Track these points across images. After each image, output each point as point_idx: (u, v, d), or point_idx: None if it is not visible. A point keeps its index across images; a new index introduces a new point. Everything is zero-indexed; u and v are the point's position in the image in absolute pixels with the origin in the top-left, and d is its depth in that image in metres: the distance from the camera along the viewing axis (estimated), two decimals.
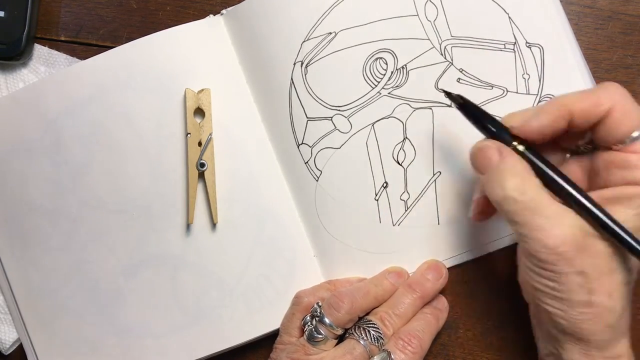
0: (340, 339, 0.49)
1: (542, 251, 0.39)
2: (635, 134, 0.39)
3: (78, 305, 0.53)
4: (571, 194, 0.40)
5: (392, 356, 0.46)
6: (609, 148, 0.41)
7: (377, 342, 0.47)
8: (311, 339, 0.47)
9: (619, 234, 0.38)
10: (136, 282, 0.52)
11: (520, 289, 0.51)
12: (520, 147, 0.41)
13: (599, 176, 0.42)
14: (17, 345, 0.54)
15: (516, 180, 0.40)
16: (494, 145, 0.42)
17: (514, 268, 0.52)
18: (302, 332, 0.49)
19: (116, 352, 0.52)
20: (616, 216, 0.39)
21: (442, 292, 0.52)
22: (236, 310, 0.52)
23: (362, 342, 0.47)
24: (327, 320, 0.47)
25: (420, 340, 0.47)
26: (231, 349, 0.52)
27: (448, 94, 0.45)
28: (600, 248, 0.39)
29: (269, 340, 0.53)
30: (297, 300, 0.51)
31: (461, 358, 0.52)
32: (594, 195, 0.40)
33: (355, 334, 0.47)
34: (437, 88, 0.50)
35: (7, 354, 0.54)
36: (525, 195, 0.39)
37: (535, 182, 0.40)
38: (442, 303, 0.51)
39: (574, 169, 0.44)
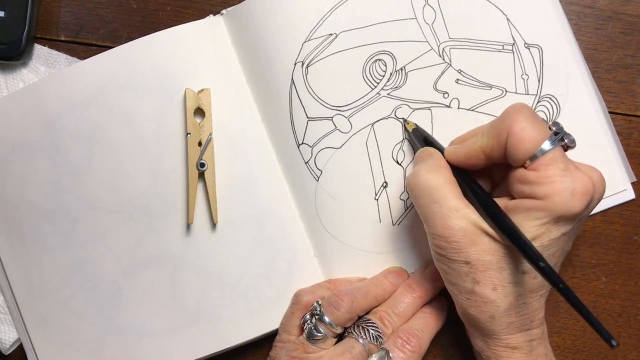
0: (340, 338, 0.49)
1: (435, 237, 0.44)
2: (536, 152, 0.41)
3: (78, 305, 0.53)
4: (476, 193, 0.44)
5: (391, 354, 0.46)
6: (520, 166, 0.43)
7: (376, 341, 0.47)
8: (310, 337, 0.47)
9: (514, 236, 0.41)
10: (136, 282, 0.52)
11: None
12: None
13: (510, 189, 0.44)
14: (17, 345, 0.54)
15: (430, 170, 0.45)
16: (431, 148, 0.48)
17: None
18: (302, 330, 0.49)
19: (116, 351, 0.52)
20: (517, 224, 0.42)
21: (443, 292, 0.52)
22: (236, 310, 0.52)
23: (361, 340, 0.47)
24: (326, 318, 0.47)
25: (419, 339, 0.47)
26: (231, 348, 0.52)
27: (404, 121, 0.51)
28: (491, 246, 0.42)
29: (268, 340, 0.53)
30: (296, 298, 0.51)
31: (461, 358, 0.53)
32: (500, 202, 0.44)
33: (354, 332, 0.47)
34: (435, 89, 0.51)
35: (7, 354, 0.54)
36: (431, 183, 0.44)
37: (447, 177, 0.44)
38: (443, 303, 0.51)
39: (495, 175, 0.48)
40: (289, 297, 0.52)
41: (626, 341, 0.51)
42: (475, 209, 0.43)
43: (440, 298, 0.51)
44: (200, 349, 0.52)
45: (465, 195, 0.44)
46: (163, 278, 0.52)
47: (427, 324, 0.49)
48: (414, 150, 0.50)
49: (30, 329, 0.53)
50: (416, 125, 0.50)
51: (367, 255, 0.52)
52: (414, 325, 0.48)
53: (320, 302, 0.49)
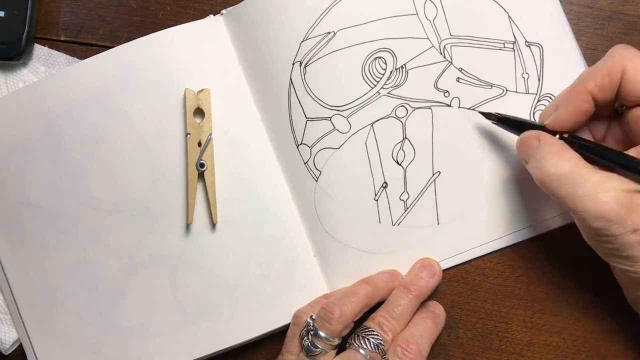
0: (341, 347, 0.48)
1: (593, 220, 0.40)
2: None
3: (78, 305, 0.53)
4: (613, 157, 0.42)
5: None
6: (638, 104, 0.42)
7: (378, 349, 0.47)
8: (309, 353, 0.47)
9: None
10: (136, 282, 0.52)
11: (520, 288, 0.51)
12: (557, 136, 0.44)
13: (635, 132, 0.43)
14: (17, 345, 0.54)
15: (554, 158, 0.42)
16: (533, 133, 0.45)
17: (513, 268, 0.52)
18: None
19: (115, 351, 0.52)
20: None
21: (442, 291, 0.52)
22: (236, 310, 0.52)
23: (362, 351, 0.46)
24: (321, 333, 0.47)
25: (418, 346, 0.47)
26: (231, 348, 0.52)
27: (486, 115, 0.48)
28: None
29: (268, 340, 0.53)
30: (295, 320, 0.51)
31: (461, 358, 0.52)
32: (634, 152, 0.42)
33: (354, 343, 0.47)
34: (436, 88, 0.50)
35: (7, 354, 0.54)
36: (564, 169, 0.41)
37: (573, 157, 0.42)
38: (440, 308, 0.51)
39: (616, 131, 0.46)
40: (288, 297, 0.52)
41: (625, 341, 0.51)
42: (613, 171, 0.41)
43: (437, 304, 0.51)
44: (200, 349, 0.52)
45: (594, 163, 0.42)
46: (163, 278, 0.52)
47: (426, 330, 0.49)
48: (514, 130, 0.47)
49: (30, 329, 0.53)
50: (499, 114, 0.48)
51: (366, 256, 0.52)
52: (412, 332, 0.48)
53: (313, 317, 0.49)
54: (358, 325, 0.49)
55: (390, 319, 0.48)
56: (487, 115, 0.48)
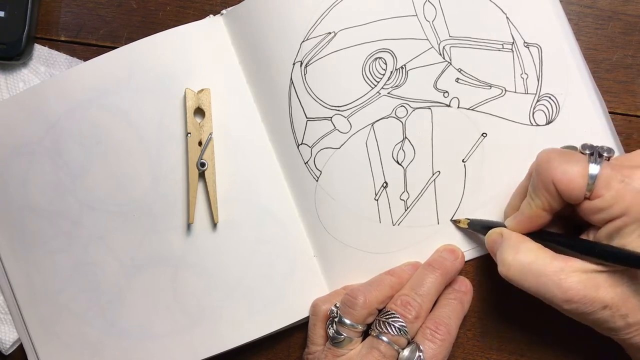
0: (366, 334, 0.48)
1: (562, 304, 0.42)
2: (589, 182, 0.41)
3: (79, 306, 0.53)
4: (566, 244, 0.44)
5: (421, 347, 0.46)
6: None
7: (400, 332, 0.46)
8: (335, 342, 0.47)
9: (625, 256, 0.40)
10: (137, 283, 0.52)
11: (518, 288, 0.51)
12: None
13: (587, 221, 0.44)
14: (17, 346, 0.54)
15: (513, 252, 0.44)
16: (498, 230, 0.47)
17: None
18: (327, 338, 0.49)
19: (117, 352, 0.52)
20: (620, 244, 0.41)
21: (464, 273, 0.52)
22: (237, 311, 0.52)
23: (384, 338, 0.46)
24: (345, 320, 0.47)
25: (447, 327, 0.47)
26: (232, 349, 0.52)
27: (456, 223, 0.51)
28: (613, 280, 0.42)
29: (270, 340, 0.53)
30: (314, 309, 0.51)
31: (461, 358, 0.52)
32: (589, 236, 0.44)
33: (376, 329, 0.47)
34: (436, 88, 0.51)
35: (7, 354, 0.54)
36: (524, 261, 0.43)
37: (532, 247, 0.44)
38: (465, 285, 0.51)
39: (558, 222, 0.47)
40: (289, 297, 0.52)
41: None
42: (573, 256, 0.43)
43: (463, 280, 0.51)
44: (202, 350, 0.52)
45: (554, 249, 0.44)
46: (164, 279, 0.52)
47: (453, 310, 0.48)
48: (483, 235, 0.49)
49: (32, 330, 0.53)
50: (469, 219, 0.50)
51: (367, 256, 0.52)
52: (440, 313, 0.48)
53: (337, 305, 0.49)
54: (380, 311, 0.48)
55: (415, 297, 0.48)
56: (456, 222, 0.51)
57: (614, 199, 0.41)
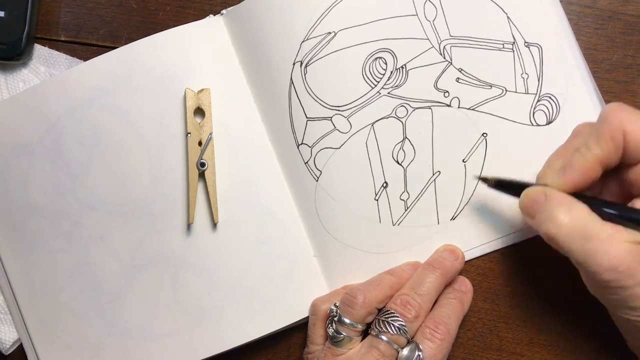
0: (366, 334, 0.48)
1: (603, 273, 0.40)
2: None
3: (79, 307, 0.53)
4: (620, 212, 0.41)
5: (421, 346, 0.46)
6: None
7: (400, 332, 0.46)
8: (334, 341, 0.47)
9: None
10: (137, 283, 0.52)
11: (518, 288, 0.51)
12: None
13: (632, 188, 0.43)
14: (17, 346, 0.54)
15: (564, 212, 0.41)
16: (539, 189, 0.44)
17: (513, 268, 0.52)
18: (327, 337, 0.49)
19: (117, 353, 0.52)
20: None
21: (464, 273, 0.52)
22: (237, 311, 0.52)
23: (383, 337, 0.46)
24: (345, 319, 0.47)
25: (447, 326, 0.47)
26: (232, 349, 0.52)
27: (484, 180, 0.48)
28: None
29: (270, 340, 0.53)
30: (314, 309, 0.51)
31: (461, 358, 0.52)
32: (638, 204, 0.42)
33: (376, 328, 0.47)
34: (436, 88, 0.50)
35: (7, 354, 0.54)
36: (575, 224, 0.41)
37: (583, 211, 0.41)
38: (465, 284, 0.51)
39: (613, 186, 0.46)
40: (289, 297, 0.52)
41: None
42: (622, 224, 0.41)
43: (463, 280, 0.51)
44: (202, 350, 0.52)
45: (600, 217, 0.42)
46: (164, 279, 0.52)
47: (453, 310, 0.48)
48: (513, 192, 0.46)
49: (32, 331, 0.53)
50: (497, 178, 0.48)
51: (367, 255, 0.52)
52: (440, 313, 0.48)
53: (337, 305, 0.49)
54: (380, 310, 0.48)
55: (415, 296, 0.47)
56: (485, 180, 0.48)
57: None
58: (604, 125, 0.42)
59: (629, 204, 0.43)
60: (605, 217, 0.42)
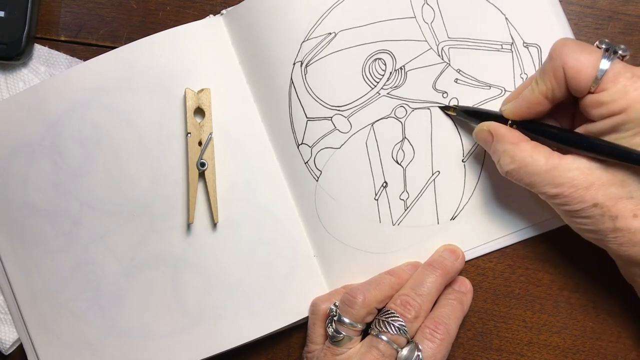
0: (366, 334, 0.48)
1: (556, 198, 0.43)
2: (597, 74, 0.41)
3: (79, 306, 0.53)
4: (558, 136, 0.45)
5: (420, 346, 0.46)
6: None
7: (400, 332, 0.46)
8: (334, 340, 0.47)
9: (619, 151, 0.41)
10: (137, 283, 0.52)
11: (520, 288, 0.51)
12: (509, 123, 0.47)
13: (586, 116, 0.44)
14: (17, 346, 0.54)
15: (508, 155, 0.45)
16: (485, 126, 0.47)
17: (513, 268, 0.52)
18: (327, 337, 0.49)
19: (117, 353, 0.52)
20: (615, 140, 0.42)
21: (464, 274, 0.52)
22: (237, 311, 0.52)
23: (383, 337, 0.46)
24: (344, 319, 0.47)
25: (446, 326, 0.47)
26: (232, 349, 0.52)
27: (444, 108, 0.51)
28: (608, 178, 0.42)
29: (270, 340, 0.53)
30: (313, 308, 0.51)
31: (461, 358, 0.52)
32: (582, 131, 0.44)
33: (376, 328, 0.47)
34: (434, 89, 0.51)
35: (7, 354, 0.54)
36: (520, 164, 0.44)
37: (527, 148, 0.44)
38: (465, 285, 0.51)
39: (561, 114, 0.47)
40: (289, 297, 0.52)
41: (625, 341, 0.51)
42: (568, 152, 0.43)
43: (463, 280, 0.51)
44: (202, 350, 0.52)
45: (547, 145, 0.44)
46: (164, 279, 0.52)
47: (453, 310, 0.48)
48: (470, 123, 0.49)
49: (32, 331, 0.53)
50: (456, 106, 0.50)
51: (366, 255, 0.52)
52: (440, 313, 0.48)
53: (337, 304, 0.49)
54: (380, 310, 0.48)
55: (415, 297, 0.47)
56: (446, 108, 0.50)
57: (618, 93, 0.41)
58: (548, 63, 0.44)
59: (577, 130, 0.45)
60: (552, 146, 0.44)
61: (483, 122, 0.47)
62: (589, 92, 0.42)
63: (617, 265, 0.47)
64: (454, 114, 0.50)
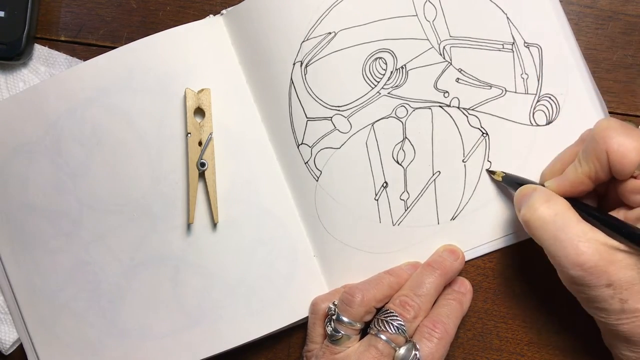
0: (365, 333, 0.48)
1: (570, 267, 0.41)
2: None
3: (79, 306, 0.53)
4: (594, 214, 0.43)
5: (418, 346, 0.46)
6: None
7: (399, 331, 0.46)
8: (332, 339, 0.48)
9: None
10: (137, 283, 0.52)
11: (520, 288, 0.51)
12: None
13: (625, 201, 0.43)
14: (17, 346, 0.54)
15: (542, 202, 0.43)
16: (532, 185, 0.46)
17: (513, 268, 0.52)
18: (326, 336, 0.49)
19: (117, 353, 0.52)
20: None
21: (464, 274, 0.52)
22: (237, 311, 0.52)
23: (382, 336, 0.46)
24: (343, 318, 0.47)
25: (445, 325, 0.47)
26: (232, 349, 0.52)
27: (490, 173, 0.50)
28: (629, 261, 0.41)
29: (270, 340, 0.53)
30: (313, 307, 0.51)
31: (461, 358, 0.52)
32: (618, 214, 0.44)
33: (375, 327, 0.47)
34: (436, 88, 0.50)
35: (7, 354, 0.54)
36: (550, 213, 0.43)
37: (562, 203, 0.43)
38: (465, 286, 0.51)
39: (614, 191, 0.46)
40: (289, 297, 0.52)
41: None
42: (599, 229, 0.42)
43: (463, 281, 0.51)
44: (202, 350, 0.52)
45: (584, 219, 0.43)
46: (164, 279, 0.52)
47: (452, 310, 0.48)
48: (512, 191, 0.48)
49: (32, 331, 0.53)
50: (505, 172, 0.49)
51: (366, 256, 0.52)
52: (438, 312, 0.48)
53: (336, 303, 0.49)
54: (379, 309, 0.49)
55: (414, 297, 0.48)
56: (492, 173, 0.50)
57: None
58: (591, 144, 0.43)
59: (613, 212, 0.44)
60: (585, 218, 0.43)
61: (531, 184, 0.47)
62: (632, 177, 0.42)
63: (602, 332, 0.47)
64: (499, 179, 0.49)
